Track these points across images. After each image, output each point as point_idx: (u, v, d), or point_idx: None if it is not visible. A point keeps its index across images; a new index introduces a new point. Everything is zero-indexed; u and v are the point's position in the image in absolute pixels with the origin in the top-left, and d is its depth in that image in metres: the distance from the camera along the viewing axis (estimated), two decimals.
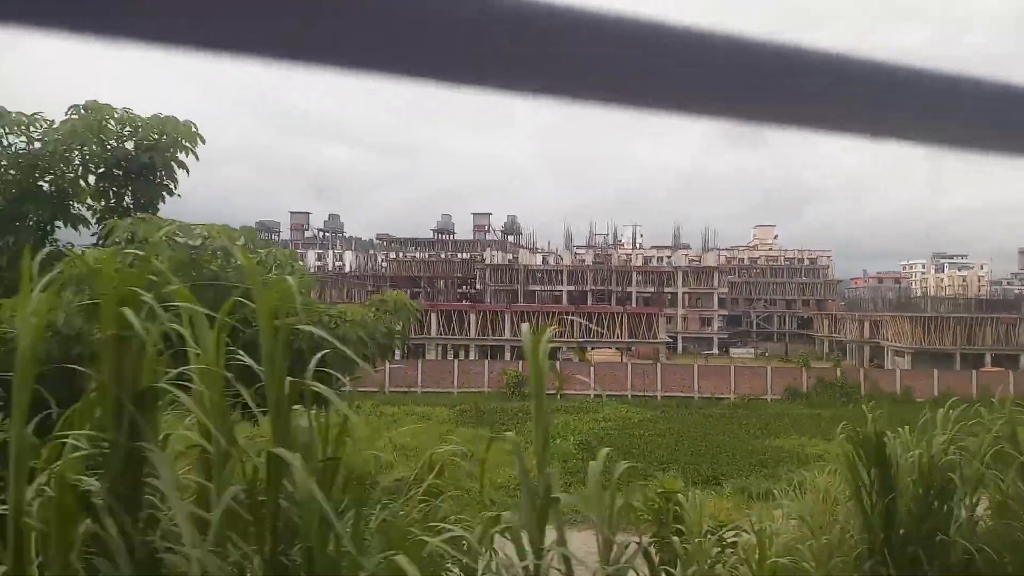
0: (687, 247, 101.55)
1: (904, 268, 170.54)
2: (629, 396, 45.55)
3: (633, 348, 55.81)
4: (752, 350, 76.23)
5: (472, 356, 53.75)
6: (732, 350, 75.66)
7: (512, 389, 44.84)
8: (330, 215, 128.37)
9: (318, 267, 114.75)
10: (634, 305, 70.26)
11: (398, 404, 39.98)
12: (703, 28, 0.58)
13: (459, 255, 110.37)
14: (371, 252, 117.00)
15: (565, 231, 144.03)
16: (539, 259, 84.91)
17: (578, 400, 40.89)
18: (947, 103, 0.67)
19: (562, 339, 54.59)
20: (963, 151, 0.70)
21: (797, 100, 0.64)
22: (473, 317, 55.40)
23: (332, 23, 0.48)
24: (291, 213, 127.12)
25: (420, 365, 48.13)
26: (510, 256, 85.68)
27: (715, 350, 74.26)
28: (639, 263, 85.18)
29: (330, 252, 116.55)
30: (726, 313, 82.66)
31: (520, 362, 49.20)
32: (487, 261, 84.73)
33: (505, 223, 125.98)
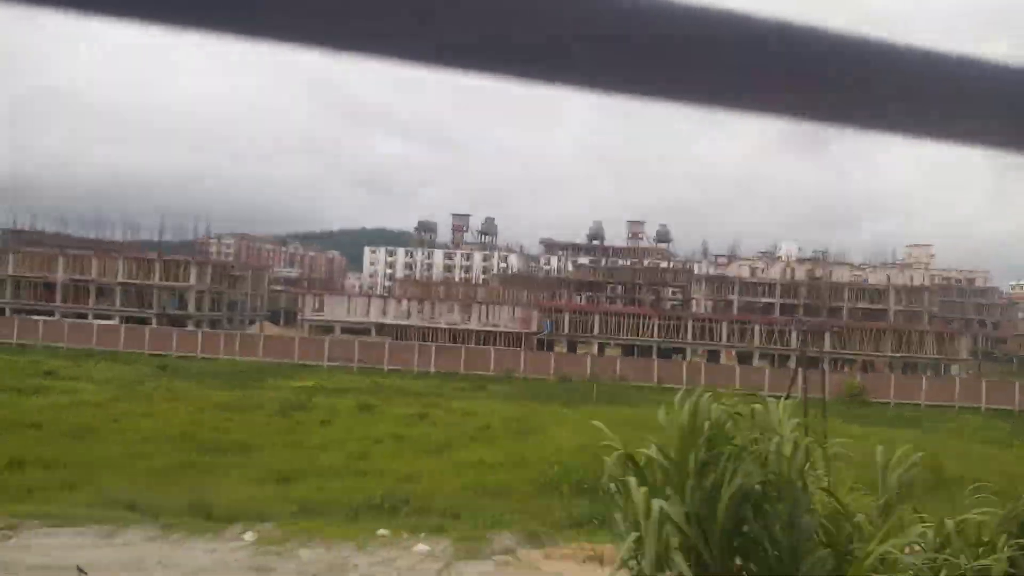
0: (850, 263, 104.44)
1: (1014, 288, 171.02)
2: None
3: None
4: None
5: (754, 363, 57.79)
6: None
7: (852, 397, 48.93)
8: (486, 218, 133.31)
9: (484, 268, 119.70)
10: (844, 320, 73.59)
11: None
12: (768, 16, 0.54)
13: (619, 261, 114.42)
14: (536, 256, 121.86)
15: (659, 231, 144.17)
16: (747, 271, 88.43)
17: None
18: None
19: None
20: None
21: (869, 97, 0.58)
22: (758, 328, 59.46)
23: (377, 14, 0.48)
24: (452, 215, 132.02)
25: (739, 370, 52.49)
26: (715, 268, 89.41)
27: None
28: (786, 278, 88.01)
29: (495, 255, 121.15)
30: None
31: (860, 373, 53.07)
32: (695, 271, 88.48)
33: (659, 230, 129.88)
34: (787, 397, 24.01)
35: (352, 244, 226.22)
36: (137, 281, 59.26)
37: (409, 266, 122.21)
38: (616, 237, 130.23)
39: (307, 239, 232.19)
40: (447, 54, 0.51)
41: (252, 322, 68.02)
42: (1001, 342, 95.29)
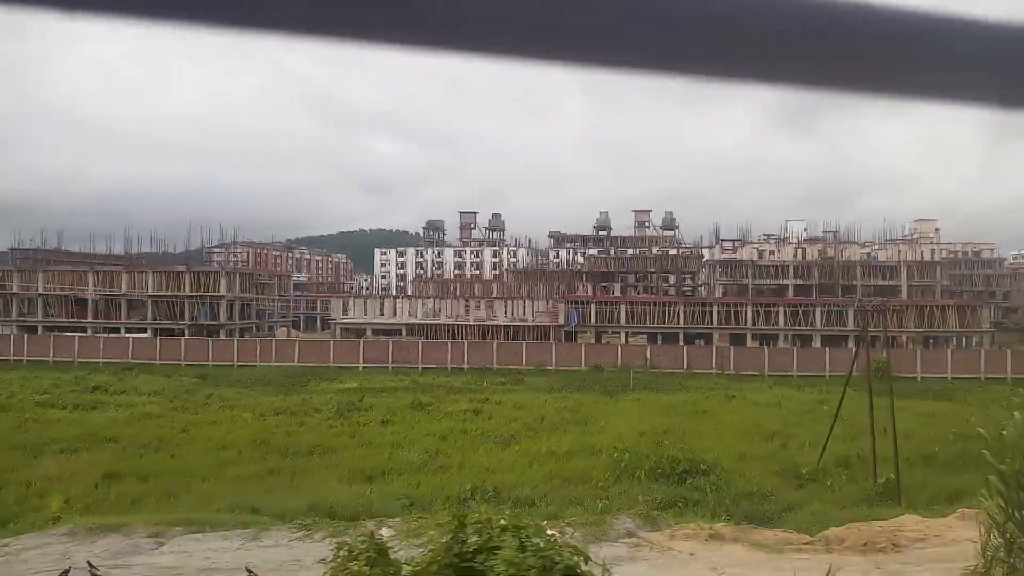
0: (857, 243, 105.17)
1: (1015, 258, 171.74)
2: None
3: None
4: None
5: (779, 344, 58.41)
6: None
7: (880, 373, 49.61)
8: (493, 214, 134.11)
9: (495, 263, 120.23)
10: (859, 298, 74.22)
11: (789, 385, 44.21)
12: None
13: (628, 251, 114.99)
14: (544, 249, 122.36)
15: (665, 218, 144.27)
16: (757, 254, 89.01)
17: None
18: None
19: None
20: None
21: (863, 61, 0.59)
22: (782, 310, 60.12)
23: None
24: (460, 213, 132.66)
25: (767, 352, 53.17)
26: (722, 252, 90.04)
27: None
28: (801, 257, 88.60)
29: (505, 250, 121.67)
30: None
31: (885, 350, 53.85)
32: (705, 257, 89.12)
33: (664, 218, 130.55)
34: (851, 375, 24.50)
35: (352, 246, 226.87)
36: (168, 294, 59.88)
37: (420, 265, 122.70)
38: (617, 227, 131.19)
39: (307, 243, 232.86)
40: (440, 35, 0.50)
41: (272, 328, 68.66)
42: (1012, 312, 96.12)
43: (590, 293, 78.80)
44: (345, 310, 59.98)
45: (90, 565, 11.45)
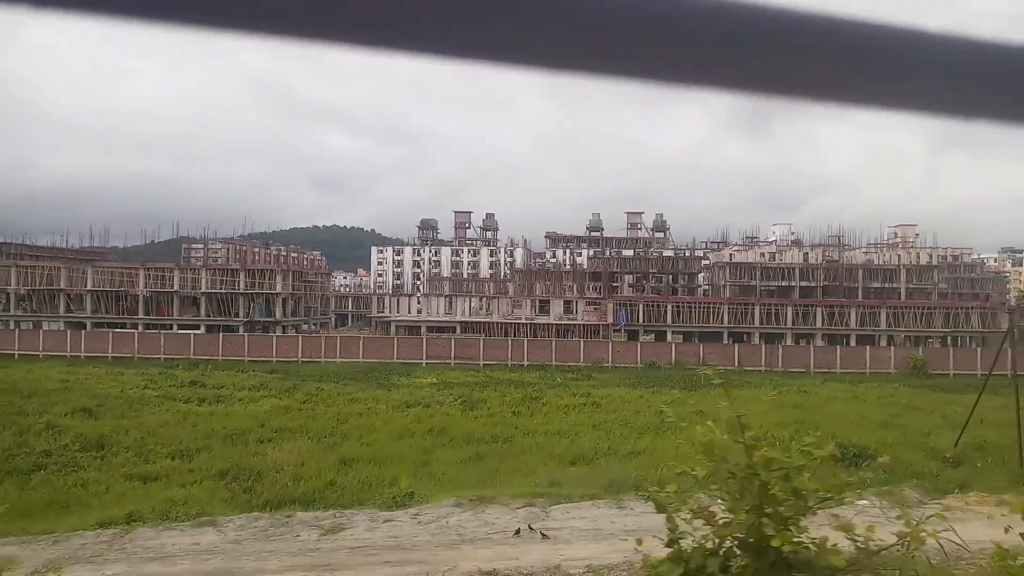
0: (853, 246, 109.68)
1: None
2: None
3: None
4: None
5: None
6: None
7: (917, 370, 52.91)
8: (487, 214, 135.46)
9: (492, 263, 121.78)
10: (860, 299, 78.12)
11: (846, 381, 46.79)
12: None
13: (622, 251, 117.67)
14: (534, 250, 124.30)
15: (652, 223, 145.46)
16: (757, 256, 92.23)
17: None
18: (948, 67, 0.64)
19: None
20: (965, 119, 0.67)
21: (813, 69, 0.61)
22: (820, 310, 63.12)
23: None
24: (455, 212, 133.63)
25: (812, 350, 56.03)
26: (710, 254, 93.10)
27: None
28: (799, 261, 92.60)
29: (502, 250, 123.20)
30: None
31: (920, 347, 57.16)
32: (709, 260, 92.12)
33: (655, 220, 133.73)
34: (990, 374, 27.11)
35: (309, 242, 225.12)
36: (222, 290, 60.06)
37: (417, 264, 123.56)
38: (579, 226, 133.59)
39: (261, 239, 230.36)
40: (406, 38, 0.52)
41: (316, 326, 69.33)
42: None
43: (615, 293, 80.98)
44: (403, 308, 61.06)
45: (530, 527, 13.03)
